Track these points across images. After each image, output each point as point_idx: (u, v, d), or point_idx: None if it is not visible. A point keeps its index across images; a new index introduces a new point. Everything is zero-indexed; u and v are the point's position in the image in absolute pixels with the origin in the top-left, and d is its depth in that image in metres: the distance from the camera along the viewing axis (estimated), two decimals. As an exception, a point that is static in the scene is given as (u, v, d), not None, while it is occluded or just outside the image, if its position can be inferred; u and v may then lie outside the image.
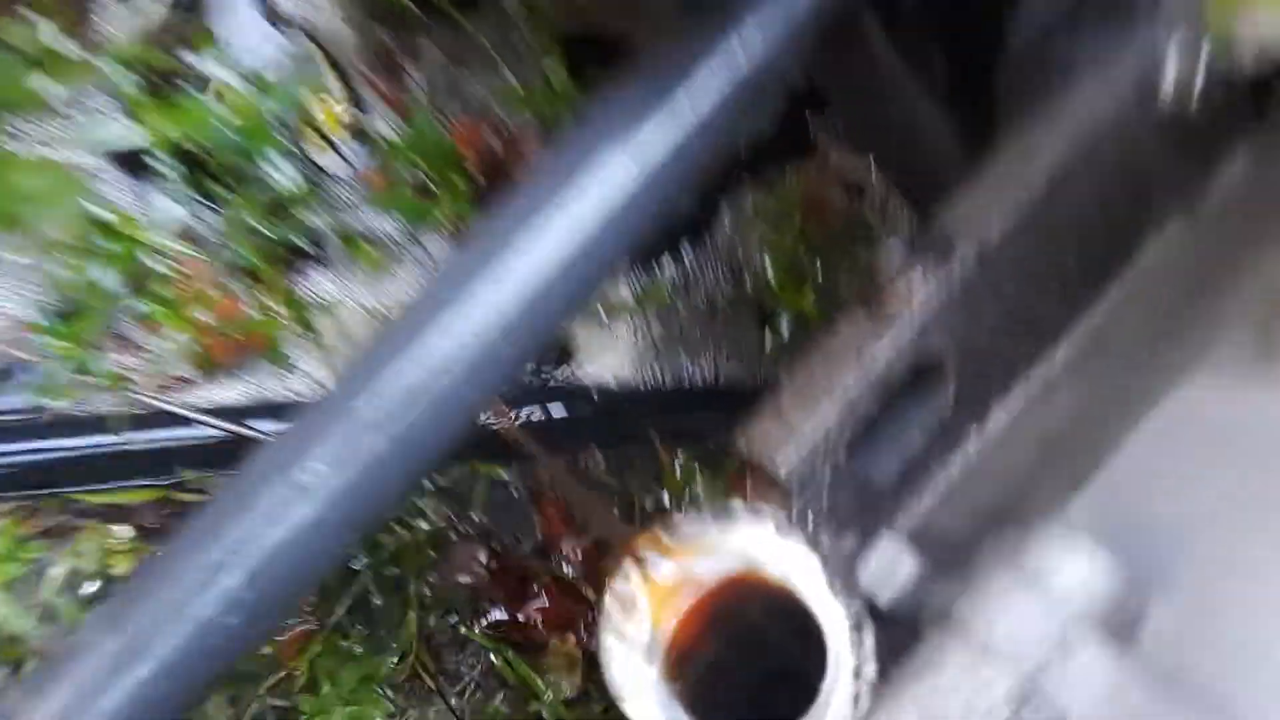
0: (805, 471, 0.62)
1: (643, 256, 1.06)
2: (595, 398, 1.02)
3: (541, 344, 0.70)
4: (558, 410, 0.99)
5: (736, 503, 0.44)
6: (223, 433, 0.91)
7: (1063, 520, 0.38)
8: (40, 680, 0.65)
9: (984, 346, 0.64)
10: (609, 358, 1.05)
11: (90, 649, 0.65)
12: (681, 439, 1.06)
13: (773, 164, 1.07)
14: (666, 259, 1.05)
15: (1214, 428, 0.38)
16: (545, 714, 1.03)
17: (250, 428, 0.91)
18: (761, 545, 0.44)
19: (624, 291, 1.05)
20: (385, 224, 0.94)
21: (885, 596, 0.43)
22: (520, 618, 1.02)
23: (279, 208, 0.87)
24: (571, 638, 1.03)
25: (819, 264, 1.03)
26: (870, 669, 0.39)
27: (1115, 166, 0.64)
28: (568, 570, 1.04)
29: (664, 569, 0.44)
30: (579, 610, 1.04)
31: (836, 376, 0.63)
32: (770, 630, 0.45)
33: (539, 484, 1.05)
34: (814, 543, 0.42)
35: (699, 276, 1.07)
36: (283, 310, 0.86)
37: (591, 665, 1.05)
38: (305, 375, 0.97)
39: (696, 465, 1.05)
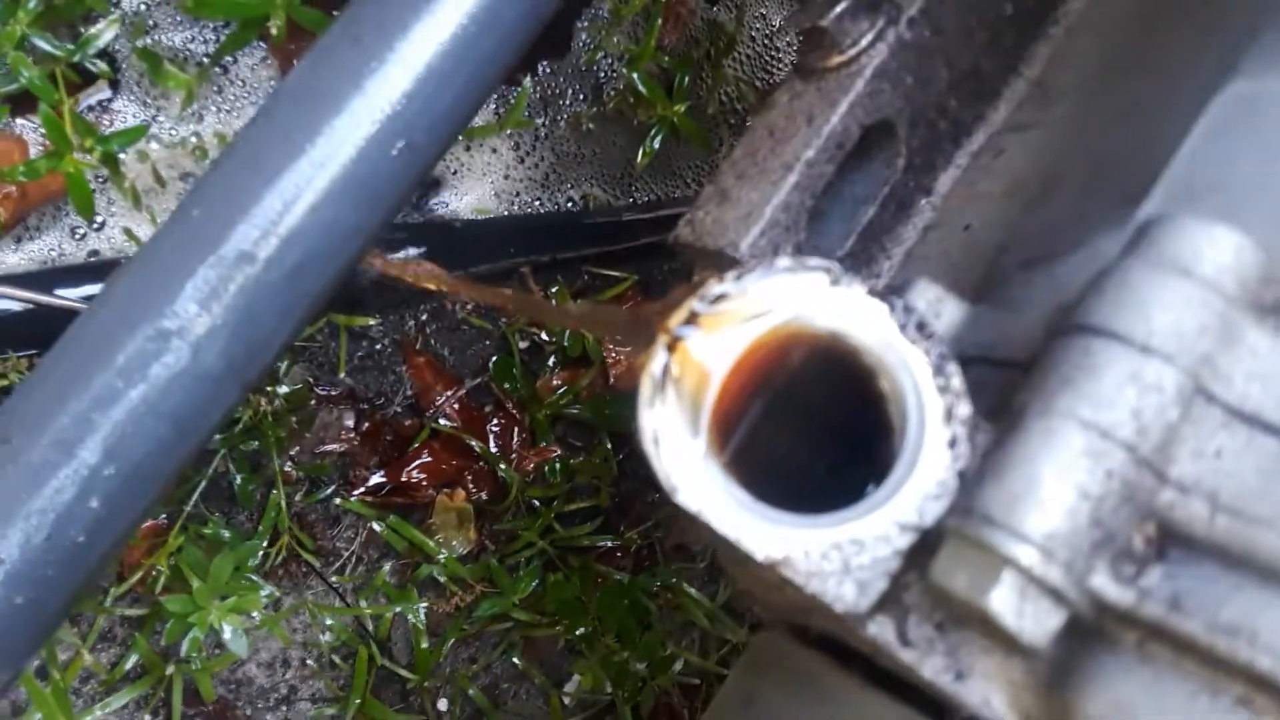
0: (767, 250, 0.57)
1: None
2: (459, 231, 0.92)
3: (438, 150, 0.60)
4: (420, 247, 0.89)
5: (781, 259, 0.38)
6: (21, 305, 0.76)
7: (1132, 225, 0.34)
8: None
9: (933, 106, 0.60)
10: (472, 188, 0.95)
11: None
12: (552, 270, 0.99)
13: (625, -37, 0.97)
14: (524, 78, 0.95)
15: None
16: (438, 574, 0.96)
17: (57, 296, 0.76)
18: (808, 299, 0.38)
19: (485, 118, 0.94)
20: (195, 43, 0.79)
21: (936, 343, 0.39)
22: (401, 479, 0.94)
23: (63, 21, 0.71)
24: (460, 492, 0.96)
25: (682, 74, 0.96)
26: (964, 408, 0.35)
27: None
28: (446, 424, 0.96)
29: (698, 339, 0.38)
30: (463, 463, 0.96)
31: (788, 147, 0.57)
32: (814, 392, 0.40)
33: (406, 335, 0.95)
34: (878, 291, 0.37)
35: (560, 96, 0.98)
36: (76, 146, 0.70)
37: (482, 517, 0.98)
38: (110, 230, 0.81)
39: (571, 296, 0.98)
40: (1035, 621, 0.29)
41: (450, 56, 0.57)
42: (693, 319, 0.38)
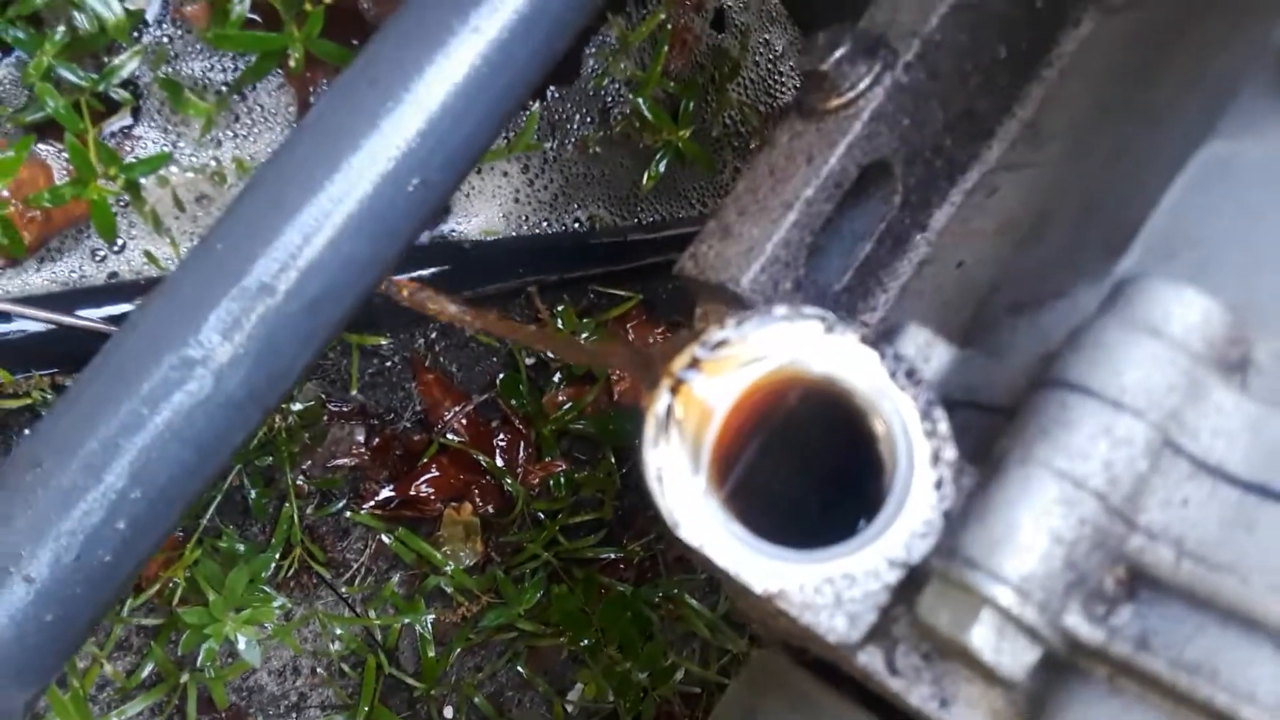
0: (767, 284, 0.59)
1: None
2: (468, 252, 0.95)
3: (452, 186, 0.63)
4: (430, 268, 0.91)
5: (778, 307, 0.40)
6: (44, 325, 0.78)
7: (1110, 280, 0.37)
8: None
9: (929, 146, 0.63)
10: (481, 210, 0.97)
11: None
12: (559, 289, 1.01)
13: (632, -5, 1.00)
14: (533, 103, 0.98)
15: (1266, 168, 0.38)
16: (445, 586, 0.98)
17: (79, 317, 0.78)
18: (804, 345, 0.40)
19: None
20: (215, 71, 0.81)
21: (926, 386, 0.41)
22: (409, 493, 0.96)
23: (87, 53, 0.73)
24: (467, 506, 0.98)
25: (688, 99, 0.99)
26: (950, 452, 0.37)
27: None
28: (453, 438, 0.98)
29: (701, 382, 0.40)
30: (470, 477, 0.99)
31: (788, 185, 0.60)
32: (808, 431, 0.42)
33: (416, 353, 0.97)
34: (870, 340, 0.39)
35: (568, 120, 1.00)
36: (100, 173, 0.72)
37: (489, 530, 1.01)
38: (130, 252, 0.84)
39: (576, 315, 1.00)
40: (1012, 657, 0.31)
41: (464, 96, 0.59)
42: (695, 363, 0.40)
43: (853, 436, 0.41)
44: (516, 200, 1.01)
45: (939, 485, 0.37)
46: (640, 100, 0.95)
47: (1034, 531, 0.31)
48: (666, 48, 0.97)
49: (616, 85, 1.01)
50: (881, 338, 0.42)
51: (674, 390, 0.40)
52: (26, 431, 0.84)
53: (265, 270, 0.57)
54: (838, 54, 0.58)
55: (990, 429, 0.38)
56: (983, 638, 0.31)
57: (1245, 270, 0.36)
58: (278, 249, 0.57)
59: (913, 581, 0.36)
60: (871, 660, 0.36)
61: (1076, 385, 0.33)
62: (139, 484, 0.55)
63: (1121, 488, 0.31)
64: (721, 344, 0.40)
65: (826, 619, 0.36)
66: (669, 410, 0.40)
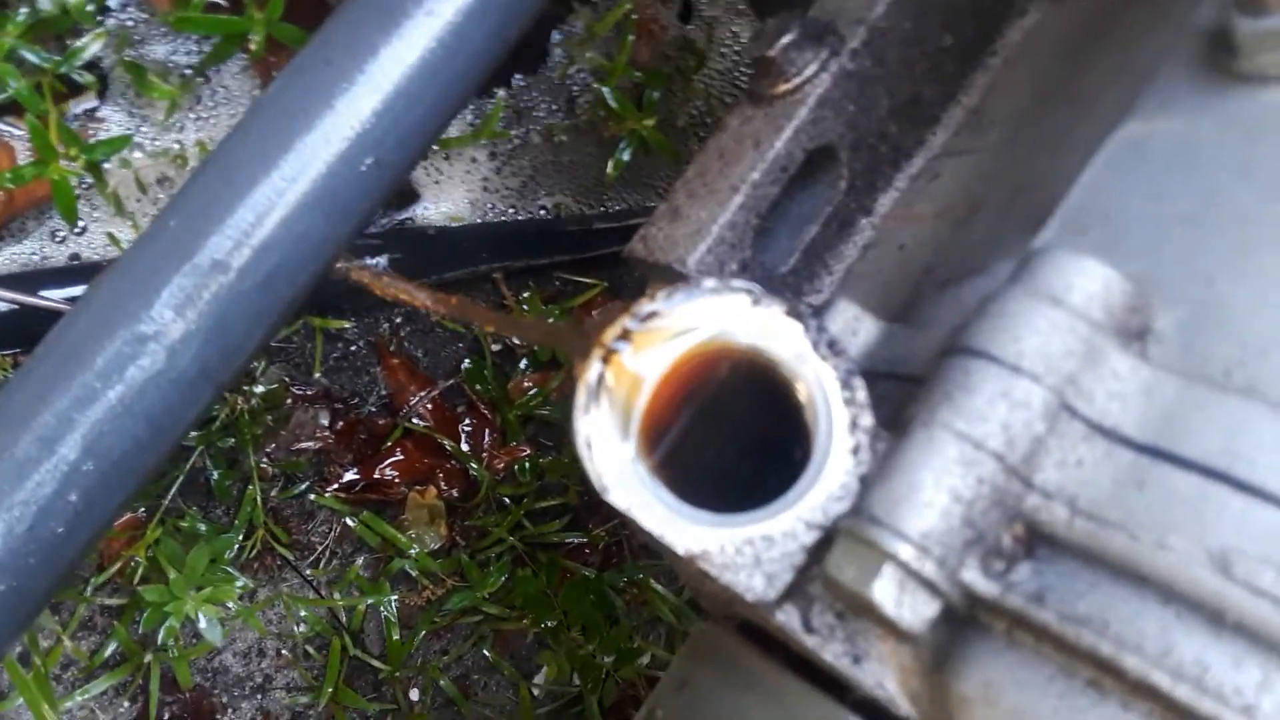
0: (713, 266, 0.60)
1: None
2: (435, 239, 0.96)
3: (405, 166, 0.64)
4: (395, 254, 0.92)
5: (707, 280, 0.41)
6: (6, 305, 0.79)
7: (1029, 254, 0.38)
8: None
9: (874, 132, 0.64)
10: (447, 198, 0.98)
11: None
12: (525, 276, 1.02)
13: (599, -18, 1.01)
14: (500, 92, 0.99)
15: (1176, 146, 0.39)
16: (410, 569, 0.99)
17: (41, 297, 0.79)
18: (733, 315, 0.41)
19: (459, 127, 0.98)
20: (179, 54, 0.82)
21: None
22: (374, 476, 0.97)
23: (50, 35, 0.74)
24: (431, 490, 0.99)
25: (653, 89, 1.00)
26: (867, 419, 0.38)
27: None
28: (419, 423, 0.99)
29: (630, 353, 0.41)
30: (435, 462, 1.00)
31: (735, 169, 0.61)
32: (739, 403, 0.44)
33: (380, 337, 0.98)
34: (795, 310, 0.40)
35: (534, 108, 1.01)
36: (62, 154, 0.73)
37: (453, 513, 1.02)
38: (92, 235, 0.84)
39: (542, 302, 1.01)
40: (912, 611, 0.32)
41: (418, 78, 0.60)
42: (626, 334, 0.41)
43: (780, 406, 0.43)
44: (485, 188, 1.02)
45: (855, 451, 0.38)
46: (605, 90, 0.96)
47: (934, 490, 0.33)
48: (632, 38, 0.98)
49: (583, 74, 1.02)
50: (812, 313, 0.43)
51: (605, 360, 0.41)
52: (-11, 411, 0.84)
53: (218, 247, 0.58)
54: (785, 40, 0.60)
55: (908, 398, 0.39)
56: (884, 591, 0.32)
57: (1150, 244, 0.38)
58: (231, 226, 0.58)
59: (828, 543, 0.37)
60: (789, 618, 0.38)
61: (979, 351, 0.34)
62: (91, 457, 0.56)
63: (1019, 449, 0.33)
64: (652, 315, 0.41)
65: (745, 578, 0.37)
66: (600, 379, 0.41)
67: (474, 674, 1.12)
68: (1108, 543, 0.32)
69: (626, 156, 0.98)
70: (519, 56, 1.00)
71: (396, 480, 0.98)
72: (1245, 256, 0.36)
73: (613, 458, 0.40)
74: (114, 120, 0.82)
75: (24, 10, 0.70)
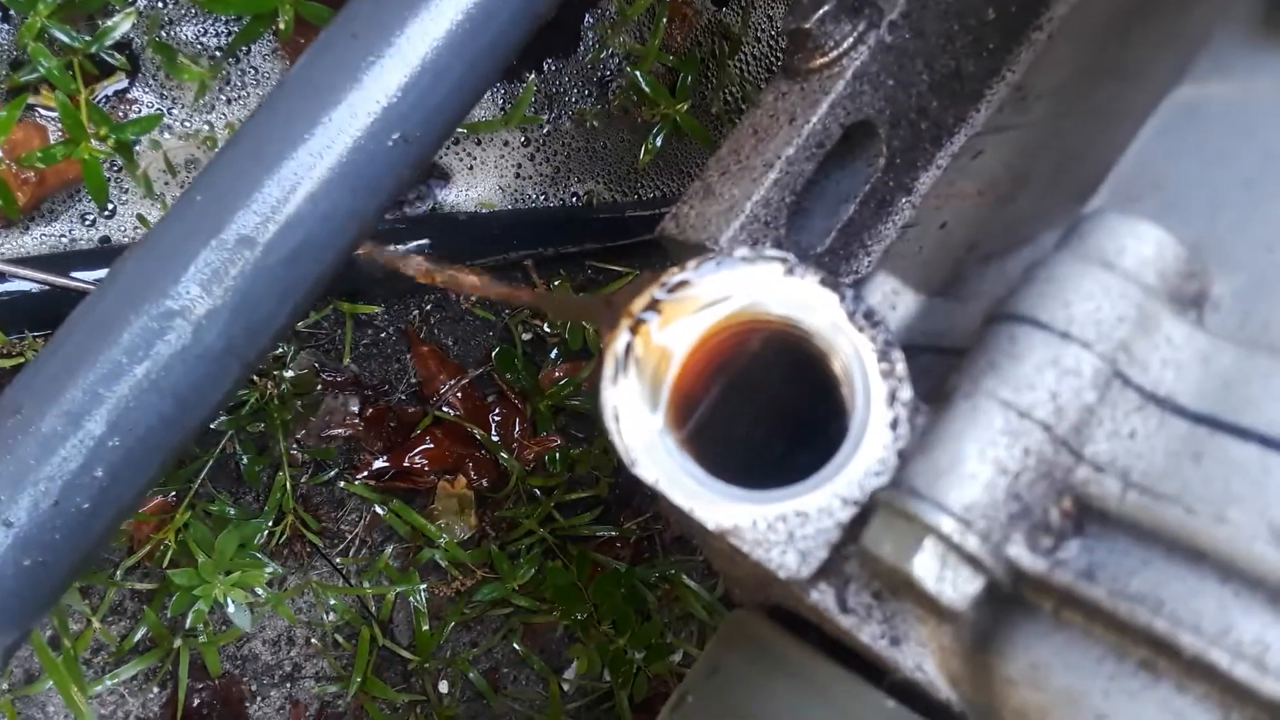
0: (746, 244, 0.58)
1: (506, 74, 0.97)
2: (465, 225, 0.95)
3: (433, 143, 0.62)
4: (428, 239, 0.91)
5: (739, 249, 0.40)
6: (37, 286, 0.79)
7: (1078, 218, 0.36)
8: None
9: (914, 107, 0.62)
10: (476, 184, 0.98)
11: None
12: (556, 263, 1.01)
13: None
14: (531, 75, 0.98)
15: (1231, 109, 0.37)
16: (440, 559, 0.98)
17: (71, 277, 0.79)
18: (765, 285, 0.40)
19: (489, 112, 0.97)
20: (208, 36, 0.82)
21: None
22: (403, 465, 0.96)
23: (81, 15, 0.74)
24: (461, 479, 0.98)
25: (686, 73, 0.98)
26: (906, 392, 0.37)
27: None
28: (448, 412, 0.98)
29: (659, 323, 0.40)
30: (465, 451, 0.99)
31: (770, 145, 0.59)
32: (768, 370, 0.42)
33: (411, 324, 0.97)
34: (830, 281, 0.39)
35: (565, 93, 1.00)
36: (92, 134, 0.73)
37: (484, 504, 1.01)
38: (121, 217, 0.84)
39: (573, 290, 1.00)
40: (954, 586, 0.31)
41: (445, 52, 0.59)
42: (654, 304, 0.40)
43: (815, 380, 0.41)
44: (518, 174, 1.01)
45: (894, 425, 0.37)
46: (638, 74, 0.95)
47: (978, 461, 0.31)
48: (665, 21, 0.97)
49: (615, 58, 1.01)
50: (849, 284, 0.42)
51: (633, 330, 0.40)
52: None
53: (245, 223, 0.57)
54: (821, 11, 0.58)
55: (950, 371, 0.37)
56: (925, 566, 0.31)
57: (1207, 209, 0.36)
58: (258, 202, 0.57)
59: (866, 519, 0.36)
60: (823, 598, 0.36)
61: (1025, 317, 0.32)
62: (117, 432, 0.56)
63: (1068, 418, 0.31)
64: (681, 285, 0.40)
65: (778, 555, 0.36)
66: (628, 349, 0.40)
67: (504, 667, 1.11)
68: (1162, 517, 0.30)
69: (659, 142, 0.96)
70: (550, 40, 0.99)
71: (426, 469, 0.97)
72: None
73: (641, 429, 0.39)
74: (144, 101, 0.82)
75: (56, -9, 0.70)
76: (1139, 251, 0.32)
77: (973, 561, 0.30)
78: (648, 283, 0.40)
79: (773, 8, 1.08)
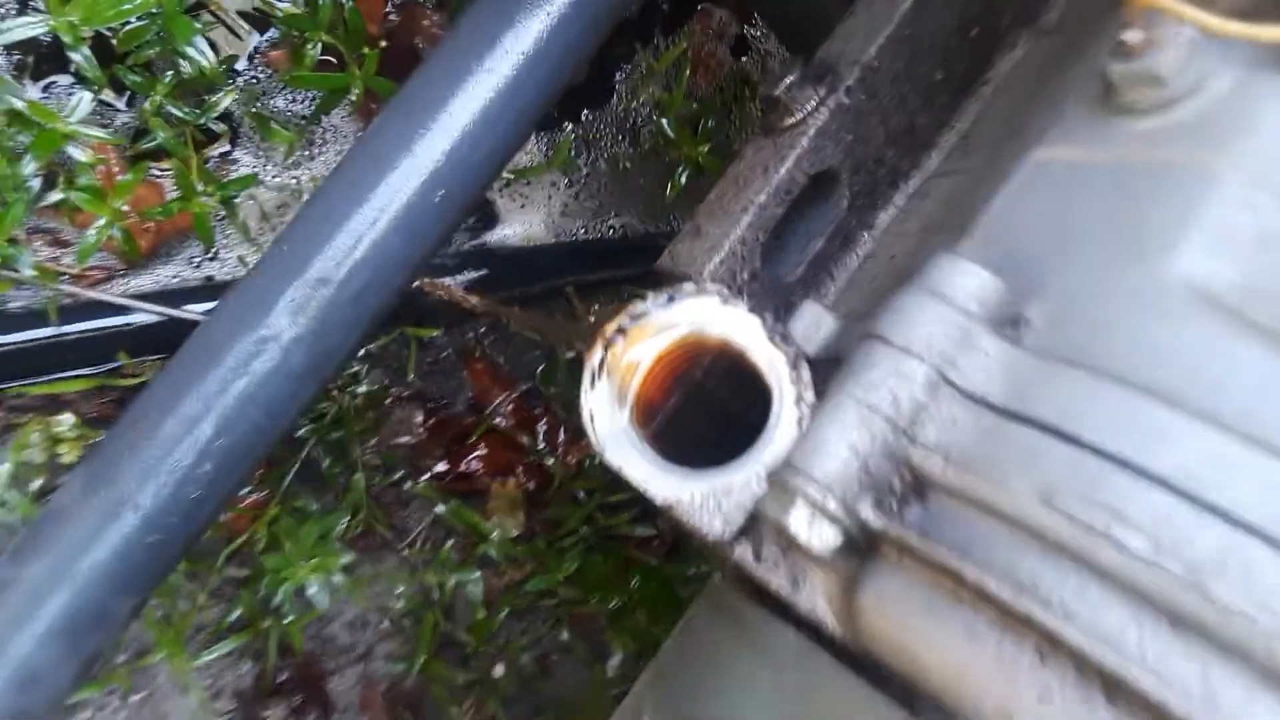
0: (726, 277, 0.70)
1: (547, 123, 1.11)
2: (513, 258, 1.08)
3: (471, 198, 0.75)
4: (479, 271, 1.05)
5: (686, 285, 0.52)
6: (155, 317, 0.94)
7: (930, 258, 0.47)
8: (29, 541, 0.70)
9: (871, 157, 0.73)
10: (525, 220, 1.11)
11: (76, 508, 0.69)
12: (596, 290, 1.13)
13: (662, 28, 1.12)
14: (570, 125, 1.11)
15: (1070, 171, 0.48)
16: (493, 553, 1.11)
17: (183, 310, 0.94)
18: (706, 313, 0.52)
19: (534, 158, 1.10)
20: (296, 104, 0.97)
21: (811, 349, 0.52)
22: (461, 469, 1.09)
23: (190, 92, 0.89)
24: (511, 482, 1.11)
25: (709, 118, 1.10)
26: (810, 395, 0.48)
27: (969, -3, 0.73)
28: (501, 422, 1.11)
29: (625, 343, 0.52)
30: (515, 456, 1.12)
31: (746, 192, 0.71)
32: (718, 384, 0.54)
33: (467, 345, 1.11)
34: (756, 309, 0.50)
35: (601, 139, 1.13)
36: (200, 191, 0.88)
37: (532, 504, 1.13)
38: (222, 259, 0.99)
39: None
40: (819, 538, 0.42)
41: (480, 124, 0.72)
42: (621, 330, 0.52)
43: (753, 388, 0.52)
44: (564, 212, 1.14)
45: (799, 421, 0.48)
46: (664, 121, 1.07)
47: (837, 444, 0.42)
48: (690, 73, 1.09)
49: (645, 107, 1.13)
50: (771, 310, 0.53)
51: (605, 348, 0.52)
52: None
53: (322, 267, 0.71)
54: (788, 80, 0.69)
55: (846, 379, 0.48)
56: (797, 522, 0.42)
57: (1040, 253, 0.46)
58: (332, 249, 0.71)
59: (775, 493, 0.47)
60: (743, 552, 0.47)
61: (878, 336, 0.43)
62: (222, 434, 0.70)
63: (905, 412, 0.42)
64: (642, 315, 0.52)
65: (707, 520, 0.47)
66: (601, 363, 0.52)
67: (553, 654, 1.23)
68: (969, 485, 0.40)
69: (684, 180, 1.08)
70: (587, 93, 1.12)
71: (481, 472, 1.10)
72: (1107, 265, 0.44)
73: (610, 426, 0.51)
74: (244, 162, 0.97)
75: (169, 73, 0.85)
76: (965, 286, 0.43)
77: (833, 519, 0.41)
78: (616, 313, 0.52)
79: (787, 56, 1.20)
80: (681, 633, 0.60)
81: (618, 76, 1.12)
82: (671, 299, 0.52)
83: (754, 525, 0.48)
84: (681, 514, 0.48)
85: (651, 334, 0.52)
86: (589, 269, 1.12)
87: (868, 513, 0.42)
